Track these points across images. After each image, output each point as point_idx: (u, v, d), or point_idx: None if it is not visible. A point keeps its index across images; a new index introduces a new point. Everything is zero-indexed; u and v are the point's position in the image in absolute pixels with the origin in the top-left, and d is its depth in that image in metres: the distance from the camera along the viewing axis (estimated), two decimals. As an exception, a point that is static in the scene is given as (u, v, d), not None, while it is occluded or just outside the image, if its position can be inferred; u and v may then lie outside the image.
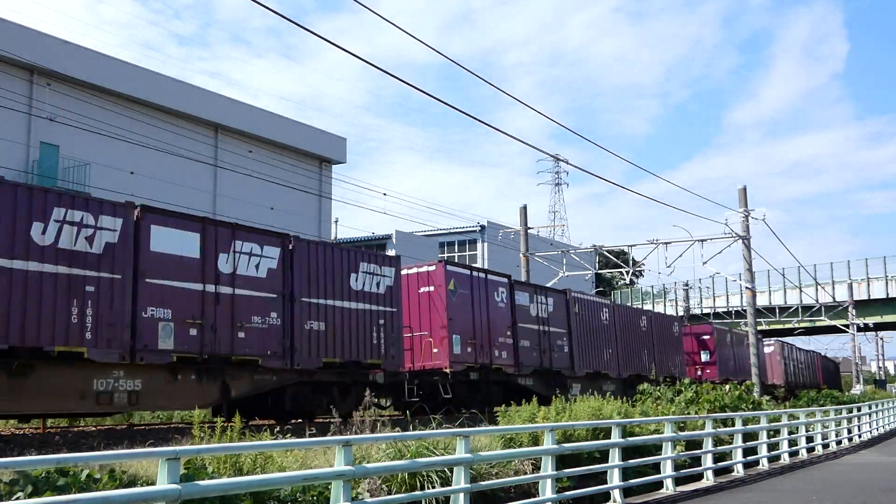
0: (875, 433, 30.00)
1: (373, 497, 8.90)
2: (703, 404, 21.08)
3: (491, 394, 22.86)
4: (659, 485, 13.51)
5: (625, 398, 18.94)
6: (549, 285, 30.31)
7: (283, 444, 8.65)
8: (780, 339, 58.54)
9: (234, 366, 15.95)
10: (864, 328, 64.84)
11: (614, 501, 11.86)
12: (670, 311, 64.79)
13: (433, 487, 9.54)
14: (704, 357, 40.51)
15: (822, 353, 71.23)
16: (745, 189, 35.28)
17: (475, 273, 23.40)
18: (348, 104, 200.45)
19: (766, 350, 52.40)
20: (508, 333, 23.96)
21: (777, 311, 63.72)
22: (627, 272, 42.66)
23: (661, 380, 30.35)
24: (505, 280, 24.60)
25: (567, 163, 75.89)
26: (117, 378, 13.88)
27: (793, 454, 19.83)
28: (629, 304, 71.73)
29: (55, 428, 17.08)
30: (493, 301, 23.50)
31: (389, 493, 9.34)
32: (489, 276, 23.86)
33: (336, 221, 49.24)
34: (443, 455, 9.98)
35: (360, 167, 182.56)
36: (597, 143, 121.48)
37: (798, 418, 21.14)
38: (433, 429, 11.82)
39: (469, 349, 22.02)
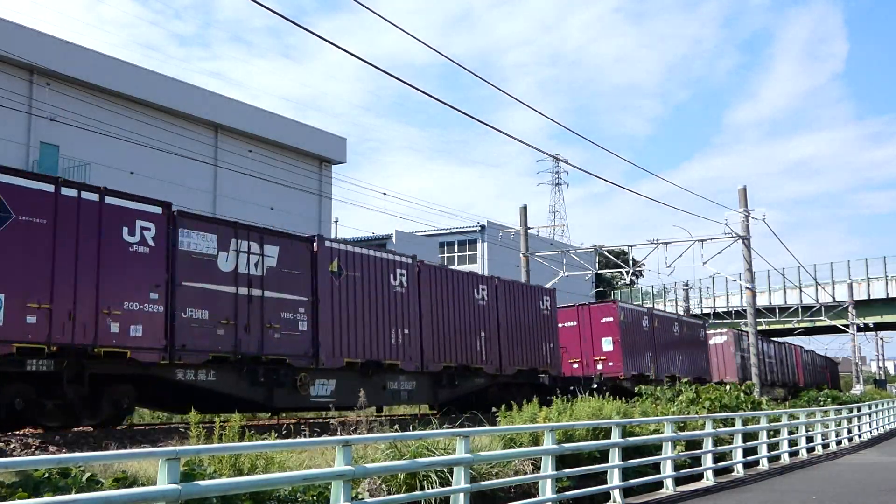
0: (875, 433, 30.00)
1: (373, 497, 8.91)
2: (703, 404, 21.11)
3: (101, 397, 14.43)
4: (659, 485, 13.51)
5: (430, 404, 14.30)
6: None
7: (283, 444, 8.66)
8: (738, 329, 48.56)
9: None
10: (864, 328, 64.88)
11: (614, 501, 11.87)
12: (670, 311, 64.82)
13: (433, 487, 9.54)
14: (606, 346, 30.83)
15: (807, 348, 63.63)
16: (745, 189, 35.31)
17: (68, 192, 13.86)
18: (348, 104, 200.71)
19: (716, 340, 44.34)
20: (156, 297, 14.77)
21: (777, 311, 63.77)
22: (627, 272, 42.68)
23: (514, 374, 24.34)
24: (154, 210, 15.04)
25: (567, 163, 76.00)
26: None
27: (793, 454, 19.84)
28: (629, 303, 71.71)
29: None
30: (113, 242, 14.33)
31: (389, 493, 9.35)
32: (108, 200, 14.43)
33: (336, 221, 49.26)
34: (443, 455, 9.99)
35: (360, 167, 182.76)
36: (597, 143, 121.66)
37: (798, 418, 21.16)
38: (434, 429, 11.83)
39: (32, 319, 13.06)
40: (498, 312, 24.17)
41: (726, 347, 44.31)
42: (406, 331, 20.35)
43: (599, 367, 30.51)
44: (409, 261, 21.14)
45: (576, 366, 30.51)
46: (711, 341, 43.29)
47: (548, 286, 29.32)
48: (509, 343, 24.38)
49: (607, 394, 20.18)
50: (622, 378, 29.55)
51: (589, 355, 30.95)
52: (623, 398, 21.07)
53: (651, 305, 45.06)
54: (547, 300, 27.37)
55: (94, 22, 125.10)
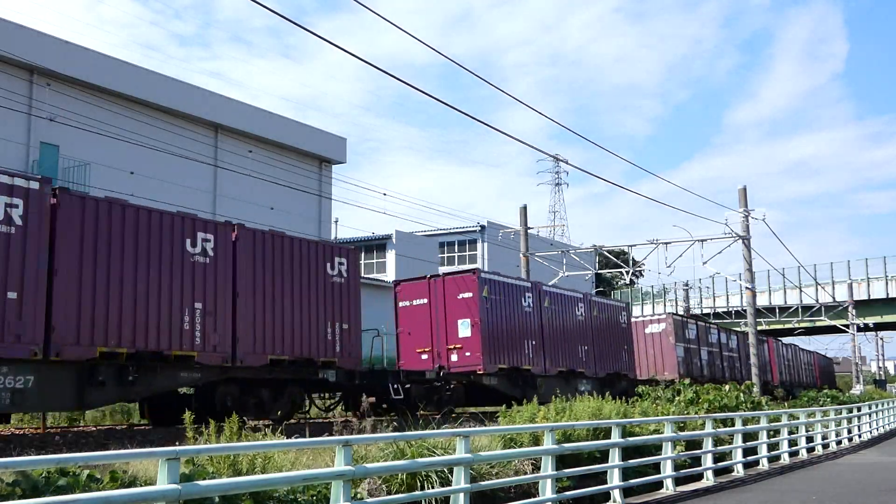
0: (875, 433, 30.01)
1: (372, 497, 8.91)
2: (702, 404, 21.11)
3: None
4: (659, 485, 13.52)
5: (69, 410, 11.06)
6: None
7: (283, 444, 8.66)
8: (679, 315, 41.84)
9: None
10: (864, 328, 64.95)
11: (614, 501, 11.87)
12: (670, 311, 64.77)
13: (433, 487, 9.54)
14: (463, 331, 23.11)
15: (786, 342, 58.86)
16: (745, 189, 35.31)
17: None
18: (348, 104, 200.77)
19: (653, 329, 37.31)
20: None
21: (777, 311, 63.82)
22: (627, 272, 42.67)
23: (264, 366, 17.22)
24: None
25: (567, 163, 76.00)
26: None
27: (793, 454, 19.84)
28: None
29: (55, 428, 17.10)
30: None
31: (389, 494, 9.35)
32: None
33: (336, 221, 49.26)
34: (443, 455, 9.99)
35: (360, 167, 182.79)
36: (597, 143, 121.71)
37: (798, 418, 21.17)
38: (433, 429, 11.84)
39: None
40: (236, 275, 16.85)
41: (664, 337, 36.99)
42: (12, 294, 13.10)
43: (454, 357, 23.07)
44: (35, 186, 13.57)
45: (425, 357, 23.55)
46: (647, 329, 37.26)
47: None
48: (257, 321, 17.20)
49: (448, 393, 15.03)
50: (482, 372, 22.58)
51: (441, 343, 23.41)
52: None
53: (538, 280, 31.17)
54: (342, 263, 19.43)
55: (94, 22, 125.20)
